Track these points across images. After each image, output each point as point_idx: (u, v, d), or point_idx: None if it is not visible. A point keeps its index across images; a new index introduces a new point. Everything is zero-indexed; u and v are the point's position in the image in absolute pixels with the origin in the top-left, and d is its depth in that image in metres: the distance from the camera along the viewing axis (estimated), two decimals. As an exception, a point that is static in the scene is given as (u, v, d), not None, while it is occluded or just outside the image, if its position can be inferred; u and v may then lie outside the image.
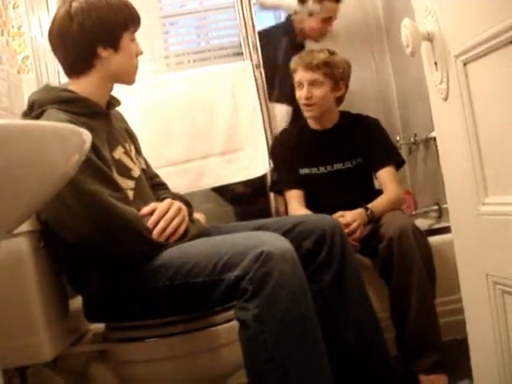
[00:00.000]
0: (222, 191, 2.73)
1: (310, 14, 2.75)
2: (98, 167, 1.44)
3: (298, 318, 1.31)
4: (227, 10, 2.63)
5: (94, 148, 1.46)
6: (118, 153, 1.60)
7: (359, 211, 2.08)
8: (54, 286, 1.63)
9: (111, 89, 1.66)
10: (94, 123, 1.53)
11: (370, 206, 2.11)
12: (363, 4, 3.24)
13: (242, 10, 2.43)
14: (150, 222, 1.51)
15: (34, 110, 1.53)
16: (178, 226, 1.56)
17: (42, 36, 2.41)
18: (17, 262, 1.49)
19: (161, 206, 1.56)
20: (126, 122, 1.82)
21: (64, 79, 2.35)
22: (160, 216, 1.53)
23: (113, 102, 1.70)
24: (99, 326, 1.72)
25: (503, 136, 1.00)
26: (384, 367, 1.66)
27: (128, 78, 1.65)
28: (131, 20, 1.61)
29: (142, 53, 1.66)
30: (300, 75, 2.24)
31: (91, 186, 1.39)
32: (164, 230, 1.52)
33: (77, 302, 1.68)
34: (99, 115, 1.59)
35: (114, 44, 1.58)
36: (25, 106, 1.58)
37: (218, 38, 2.82)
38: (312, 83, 2.21)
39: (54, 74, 2.39)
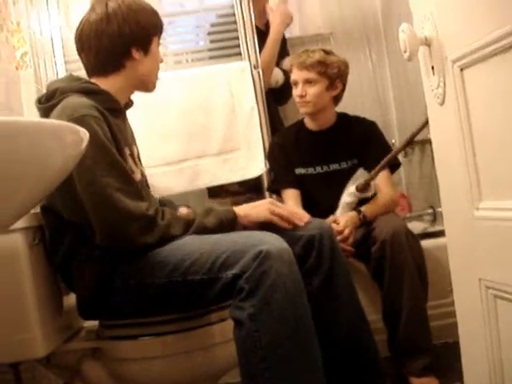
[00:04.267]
0: (218, 193, 2.72)
1: None
2: (115, 158, 1.44)
3: (292, 318, 1.32)
4: (226, 10, 2.61)
5: (116, 141, 1.48)
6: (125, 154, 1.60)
7: (351, 215, 2.09)
8: (49, 283, 1.62)
9: (132, 93, 1.68)
10: (113, 120, 1.53)
11: (362, 209, 2.12)
12: (362, 7, 3.25)
13: (241, 11, 2.43)
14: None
15: (56, 97, 1.52)
16: None
17: (40, 32, 2.41)
18: (11, 258, 1.49)
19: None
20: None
21: (61, 75, 2.35)
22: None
23: (128, 103, 1.72)
24: (93, 324, 1.72)
25: (498, 141, 1.00)
26: (373, 368, 1.67)
27: (150, 84, 1.68)
28: (160, 26, 1.66)
29: (162, 60, 1.69)
30: (295, 74, 2.27)
31: (103, 179, 1.40)
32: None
33: (71, 299, 1.68)
34: (118, 113, 1.60)
35: (145, 47, 1.61)
36: (22, 102, 1.57)
37: (217, 37, 2.80)
38: (306, 82, 2.24)
39: (53, 70, 2.39)
